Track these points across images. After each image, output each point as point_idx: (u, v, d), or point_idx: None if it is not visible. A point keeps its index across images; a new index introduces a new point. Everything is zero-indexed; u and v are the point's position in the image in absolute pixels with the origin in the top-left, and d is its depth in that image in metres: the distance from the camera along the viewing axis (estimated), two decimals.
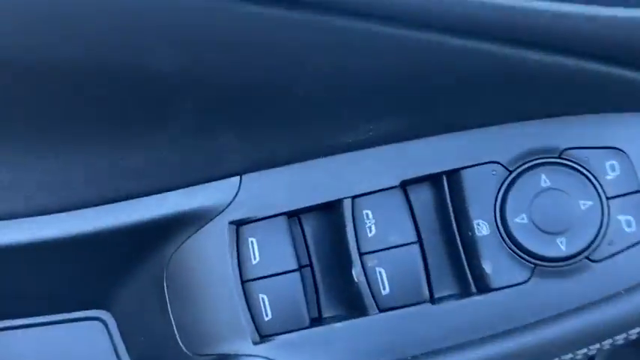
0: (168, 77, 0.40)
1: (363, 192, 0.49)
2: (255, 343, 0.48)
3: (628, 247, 0.48)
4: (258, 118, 0.45)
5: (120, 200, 0.49)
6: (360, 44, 0.40)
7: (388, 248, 0.48)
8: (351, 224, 0.48)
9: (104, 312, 0.56)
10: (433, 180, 0.50)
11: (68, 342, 0.56)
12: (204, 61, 0.40)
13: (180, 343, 0.51)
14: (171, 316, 0.51)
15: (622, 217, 0.48)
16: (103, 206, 0.50)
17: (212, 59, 0.40)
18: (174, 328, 0.51)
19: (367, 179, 0.49)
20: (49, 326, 0.56)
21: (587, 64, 0.43)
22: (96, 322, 0.57)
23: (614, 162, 0.48)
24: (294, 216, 0.51)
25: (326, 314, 0.51)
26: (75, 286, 0.54)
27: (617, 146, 0.48)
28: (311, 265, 0.51)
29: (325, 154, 0.49)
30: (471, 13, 0.40)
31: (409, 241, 0.48)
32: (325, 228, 0.51)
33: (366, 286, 0.48)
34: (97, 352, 0.56)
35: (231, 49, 0.39)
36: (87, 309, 0.56)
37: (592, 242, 0.47)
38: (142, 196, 0.49)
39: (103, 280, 0.54)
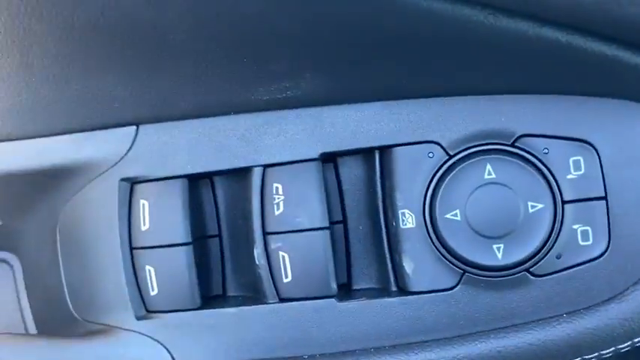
0: None
1: (276, 161, 0.41)
2: (138, 318, 0.43)
3: (579, 264, 0.39)
4: (141, 60, 0.37)
5: (5, 140, 0.44)
6: None
7: (294, 231, 0.41)
8: (258, 198, 0.41)
9: (13, 256, 0.52)
10: (365, 154, 0.42)
11: None
12: None
13: (70, 304, 0.46)
14: (62, 273, 0.46)
15: (578, 227, 0.39)
16: None
17: None
18: (65, 287, 0.46)
19: (283, 146, 0.41)
20: None
21: (554, 32, 0.34)
22: (2, 265, 0.53)
23: (579, 158, 0.39)
24: (205, 178, 0.45)
25: (231, 292, 0.45)
26: None
27: (585, 139, 0.39)
28: (220, 235, 0.45)
29: (236, 111, 0.42)
30: None
31: (318, 226, 0.41)
32: (238, 195, 0.44)
33: (267, 270, 0.41)
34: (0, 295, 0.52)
35: None
36: None
37: (536, 253, 0.39)
38: (30, 138, 0.43)
39: (4, 221, 0.49)
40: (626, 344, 0.40)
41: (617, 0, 0.29)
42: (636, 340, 0.39)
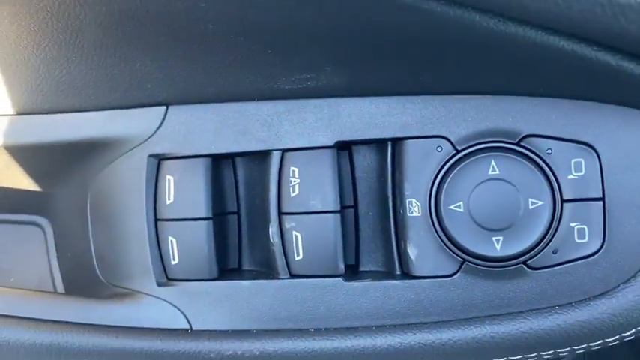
0: None
1: (294, 147, 0.44)
2: (159, 285, 0.46)
3: (574, 260, 0.41)
4: (173, 46, 0.40)
5: (50, 112, 0.47)
6: None
7: (308, 213, 0.44)
8: (276, 180, 0.44)
9: (46, 220, 0.56)
10: (379, 145, 0.45)
11: (5, 241, 0.56)
12: None
13: (96, 268, 0.49)
14: (91, 239, 0.49)
15: (575, 225, 0.41)
16: (33, 117, 0.48)
17: None
18: (93, 252, 0.49)
19: (301, 133, 0.44)
20: None
21: (560, 41, 0.36)
22: (35, 228, 0.57)
23: (580, 160, 0.41)
24: (227, 158, 0.47)
25: (246, 266, 0.49)
26: (13, 189, 0.53)
27: (588, 142, 0.41)
28: (239, 212, 0.48)
29: (259, 98, 0.44)
30: None
31: (330, 210, 0.43)
32: (257, 176, 0.47)
33: (281, 248, 0.44)
34: (31, 256, 0.55)
35: None
36: (28, 213, 0.56)
37: (533, 247, 0.41)
38: (68, 112, 0.47)
39: (40, 187, 0.53)
40: (614, 338, 0.42)
41: (614, 16, 0.31)
42: (624, 334, 0.42)
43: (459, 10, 0.34)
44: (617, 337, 0.42)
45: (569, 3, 0.31)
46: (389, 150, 0.44)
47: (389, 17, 0.36)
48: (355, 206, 0.46)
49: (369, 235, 0.46)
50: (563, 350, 0.42)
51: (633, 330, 0.41)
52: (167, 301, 0.46)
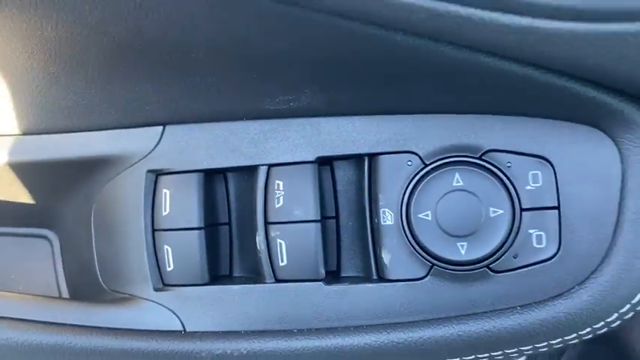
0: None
1: (279, 162, 0.48)
2: (155, 290, 0.50)
3: (533, 264, 0.45)
4: (168, 72, 0.44)
5: (56, 132, 0.51)
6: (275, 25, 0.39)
7: (291, 222, 0.47)
8: (262, 192, 0.48)
9: (52, 233, 0.59)
10: (357, 160, 0.49)
11: (14, 253, 0.60)
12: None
13: (99, 276, 0.53)
14: (94, 249, 0.53)
15: (533, 232, 0.45)
16: (41, 136, 0.52)
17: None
18: (96, 261, 0.53)
19: (285, 150, 0.48)
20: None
21: (511, 65, 0.40)
22: (42, 240, 0.60)
23: (537, 172, 0.45)
24: (219, 173, 0.52)
25: (236, 273, 0.52)
26: (23, 204, 0.57)
27: (544, 155, 0.45)
28: (229, 223, 0.52)
29: (247, 118, 0.49)
30: (392, 12, 0.37)
31: (311, 219, 0.47)
32: (246, 190, 0.51)
33: (266, 255, 0.48)
34: (38, 266, 0.59)
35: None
36: (36, 226, 0.59)
37: (495, 252, 0.45)
38: (73, 132, 0.51)
39: (47, 202, 0.56)
40: (572, 336, 0.45)
41: (551, 41, 0.35)
42: (581, 332, 0.45)
43: (417, 39, 0.38)
44: (574, 335, 0.45)
45: (505, 34, 0.35)
46: (366, 164, 0.48)
47: (361, 48, 0.40)
48: (337, 217, 0.50)
49: (349, 244, 0.50)
50: (526, 348, 0.46)
51: (589, 329, 0.45)
52: (163, 305, 0.49)
